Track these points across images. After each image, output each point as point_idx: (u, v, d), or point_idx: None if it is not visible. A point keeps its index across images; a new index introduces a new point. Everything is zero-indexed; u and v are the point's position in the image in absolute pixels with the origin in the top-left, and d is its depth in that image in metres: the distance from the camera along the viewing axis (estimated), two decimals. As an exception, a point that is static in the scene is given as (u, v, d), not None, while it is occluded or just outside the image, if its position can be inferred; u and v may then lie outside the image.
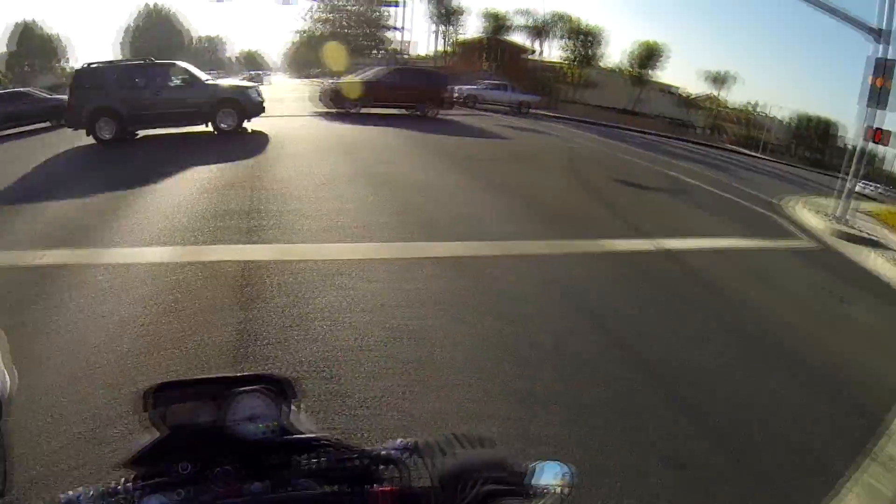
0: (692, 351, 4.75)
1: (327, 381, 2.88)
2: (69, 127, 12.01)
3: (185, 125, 12.74)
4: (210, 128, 12.88)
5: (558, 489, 0.73)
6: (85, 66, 12.43)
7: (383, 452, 0.78)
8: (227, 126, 12.84)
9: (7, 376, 0.90)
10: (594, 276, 5.80)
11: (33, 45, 57.48)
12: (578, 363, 3.82)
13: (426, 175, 9.20)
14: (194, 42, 79.12)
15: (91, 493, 0.69)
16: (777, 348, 5.52)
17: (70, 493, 0.69)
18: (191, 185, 8.12)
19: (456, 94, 27.72)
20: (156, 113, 12.04)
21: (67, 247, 5.49)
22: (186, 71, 13.00)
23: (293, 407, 0.82)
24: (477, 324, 3.95)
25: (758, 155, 45.05)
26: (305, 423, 0.82)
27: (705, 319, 5.77)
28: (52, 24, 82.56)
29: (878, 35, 11.98)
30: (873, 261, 10.44)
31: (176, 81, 12.54)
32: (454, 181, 9.03)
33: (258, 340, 3.30)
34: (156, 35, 65.67)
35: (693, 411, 3.67)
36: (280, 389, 0.81)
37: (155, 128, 12.51)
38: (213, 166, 9.54)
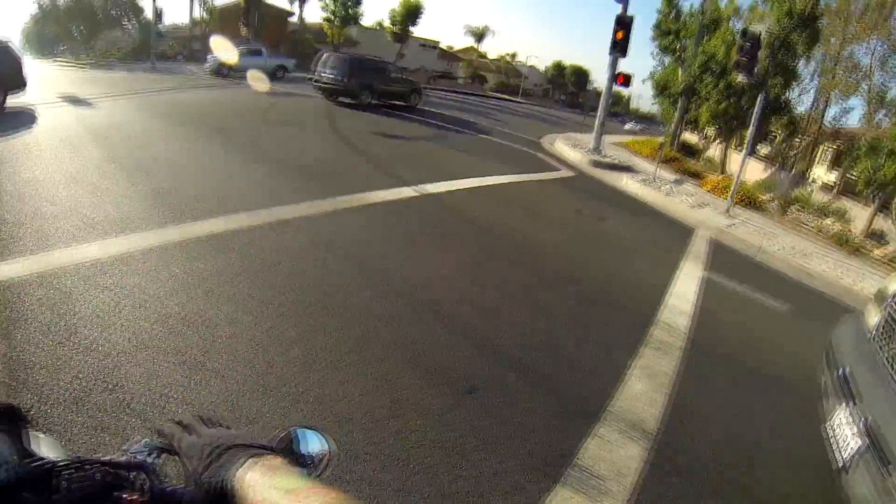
0: (467, 286, 4.75)
1: (110, 391, 2.61)
2: (345, 96, 17.75)
3: (393, 101, 19.11)
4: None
5: (323, 458, 0.75)
6: (357, 55, 19.66)
7: (125, 458, 0.69)
8: (414, 104, 20.06)
9: None
10: (358, 228, 5.78)
11: None
12: (361, 317, 3.79)
13: (175, 151, 7.99)
14: None
15: None
16: (548, 270, 5.59)
17: None
18: None
19: (207, 65, 24.51)
20: (387, 91, 18.82)
21: None
22: (399, 68, 22.83)
23: (34, 433, 0.74)
24: (249, 298, 3.80)
25: (517, 99, 48.99)
26: (48, 447, 0.76)
27: (476, 254, 5.65)
28: None
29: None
30: (624, 182, 11.81)
31: (394, 73, 19.82)
32: (209, 156, 8.01)
33: (28, 368, 2.77)
34: None
35: (481, 342, 3.75)
36: (7, 419, 0.70)
37: (383, 101, 18.60)
38: None
